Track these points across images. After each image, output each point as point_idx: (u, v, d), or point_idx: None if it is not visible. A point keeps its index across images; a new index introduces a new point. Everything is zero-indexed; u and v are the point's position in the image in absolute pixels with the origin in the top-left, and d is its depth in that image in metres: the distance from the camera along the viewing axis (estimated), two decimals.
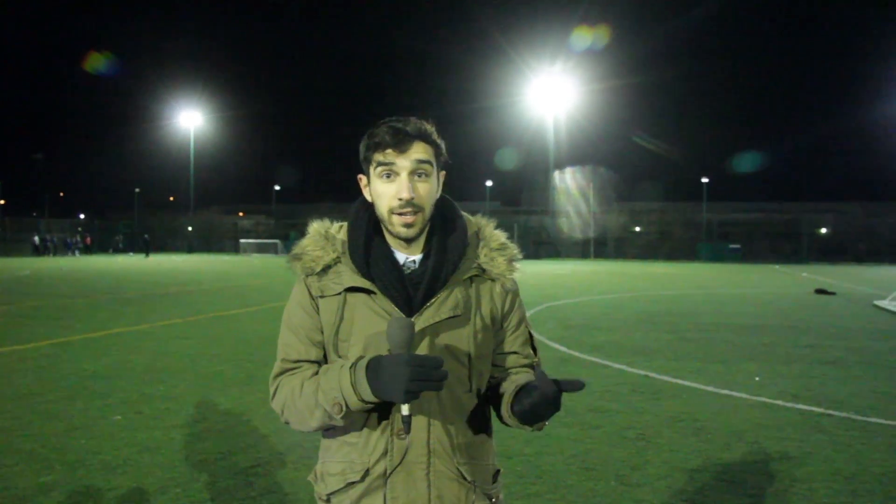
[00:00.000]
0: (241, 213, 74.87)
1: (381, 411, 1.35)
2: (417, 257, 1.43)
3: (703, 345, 8.81)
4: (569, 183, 61.40)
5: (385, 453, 1.35)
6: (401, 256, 1.43)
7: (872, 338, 9.60)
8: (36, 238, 45.78)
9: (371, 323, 1.36)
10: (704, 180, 59.69)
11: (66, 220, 60.31)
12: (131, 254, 51.34)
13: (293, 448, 4.21)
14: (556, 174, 60.54)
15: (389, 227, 1.40)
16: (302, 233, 1.51)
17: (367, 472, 1.35)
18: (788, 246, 50.85)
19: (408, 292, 1.37)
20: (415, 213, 1.36)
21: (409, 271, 1.41)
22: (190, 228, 64.31)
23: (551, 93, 58.49)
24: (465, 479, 1.38)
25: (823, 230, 54.58)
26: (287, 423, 1.40)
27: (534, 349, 1.53)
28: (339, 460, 1.40)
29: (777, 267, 39.14)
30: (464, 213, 1.52)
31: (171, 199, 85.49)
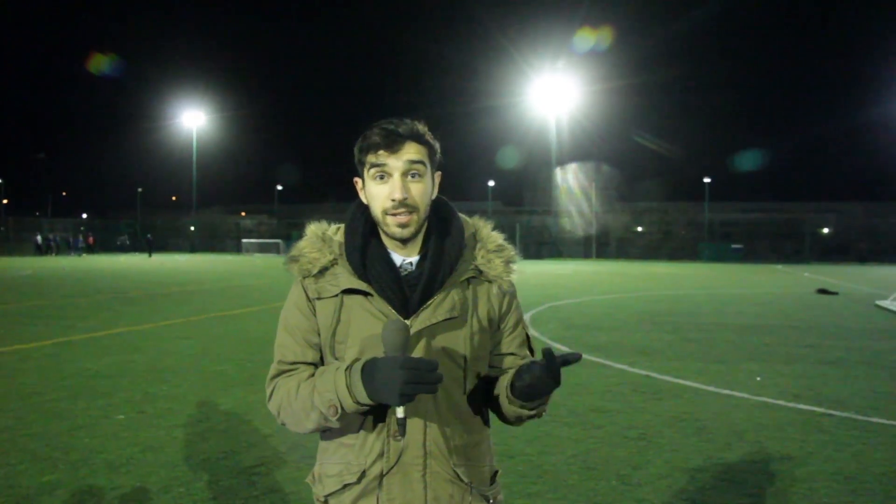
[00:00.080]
0: (243, 213, 74.98)
1: (378, 413, 1.35)
2: (414, 259, 1.43)
3: (705, 345, 8.81)
4: (571, 180, 61.44)
5: (381, 455, 1.35)
6: (397, 258, 1.43)
7: (874, 338, 9.59)
8: (38, 237, 45.82)
9: (368, 325, 1.37)
10: (707, 180, 59.66)
11: (69, 220, 60.45)
12: (136, 253, 51.42)
13: (295, 448, 4.22)
14: (559, 171, 60.55)
15: (385, 229, 1.40)
16: (304, 233, 1.52)
17: (363, 474, 1.35)
18: (790, 246, 50.76)
19: (404, 294, 1.37)
20: (409, 213, 1.36)
21: (405, 273, 1.41)
22: (192, 228, 64.38)
23: (553, 93, 58.40)
24: (461, 480, 1.38)
25: (825, 230, 54.53)
26: (283, 424, 1.40)
27: (531, 350, 1.53)
28: (336, 462, 1.40)
29: (779, 267, 39.08)
30: (461, 215, 1.52)
31: (174, 198, 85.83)
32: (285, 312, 1.47)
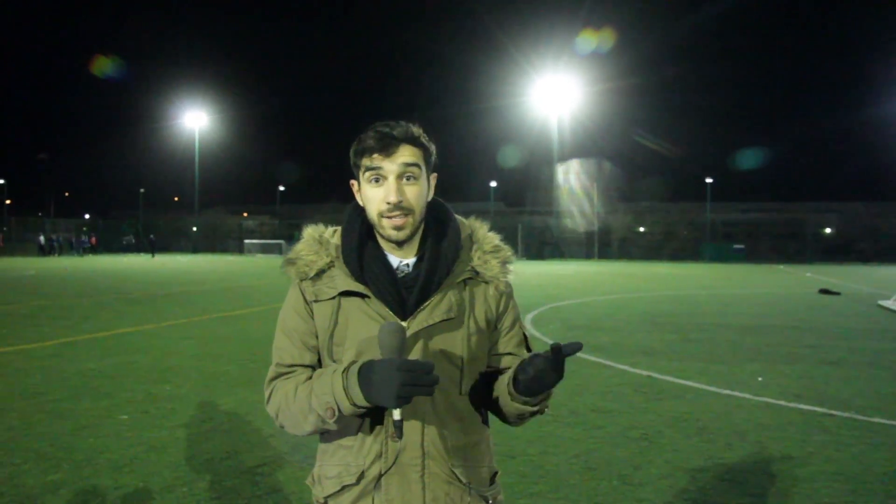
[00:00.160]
0: (245, 214, 75.01)
1: (376, 415, 1.35)
2: (411, 261, 1.44)
3: (706, 345, 8.81)
4: (573, 179, 61.37)
5: (379, 456, 1.36)
6: (394, 260, 1.43)
7: (876, 338, 9.58)
8: (41, 238, 45.92)
9: (365, 327, 1.37)
10: (708, 181, 59.58)
11: (71, 220, 60.60)
12: (139, 254, 51.50)
13: (298, 448, 4.23)
14: (560, 168, 60.43)
15: (380, 231, 1.41)
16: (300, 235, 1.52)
17: (361, 475, 1.36)
18: (792, 246, 50.62)
19: (401, 296, 1.38)
20: (404, 215, 1.37)
21: (402, 275, 1.42)
22: (194, 229, 64.46)
23: (555, 93, 58.38)
24: (459, 481, 1.38)
25: (828, 230, 54.39)
26: (282, 426, 1.41)
27: (528, 350, 1.52)
28: (335, 463, 1.41)
29: (781, 267, 39.01)
30: (457, 216, 1.53)
31: (176, 199, 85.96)
32: (283, 315, 1.47)
